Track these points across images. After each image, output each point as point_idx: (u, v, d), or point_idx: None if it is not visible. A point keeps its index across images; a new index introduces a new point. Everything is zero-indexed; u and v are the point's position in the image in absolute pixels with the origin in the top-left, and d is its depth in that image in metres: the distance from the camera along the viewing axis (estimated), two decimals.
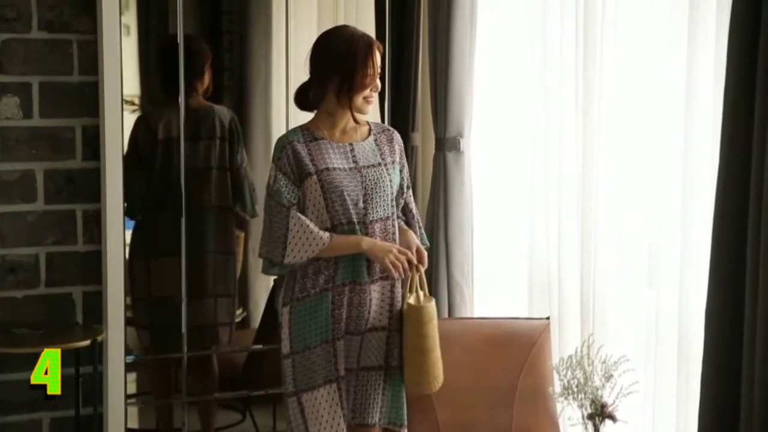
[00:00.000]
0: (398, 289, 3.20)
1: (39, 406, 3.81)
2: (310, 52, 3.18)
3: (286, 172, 3.13)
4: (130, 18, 4.07)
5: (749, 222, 2.83)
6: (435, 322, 3.19)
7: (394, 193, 3.21)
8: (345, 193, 3.11)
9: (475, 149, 4.01)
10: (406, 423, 3.25)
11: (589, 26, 3.57)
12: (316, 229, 3.09)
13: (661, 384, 3.40)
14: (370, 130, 3.25)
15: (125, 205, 3.84)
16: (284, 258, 3.09)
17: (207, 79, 4.12)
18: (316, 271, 3.12)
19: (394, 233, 3.18)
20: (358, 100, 3.13)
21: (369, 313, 3.15)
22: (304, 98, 3.21)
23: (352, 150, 3.18)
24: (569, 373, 3.27)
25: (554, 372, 3.37)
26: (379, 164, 3.19)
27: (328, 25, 4.36)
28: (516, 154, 3.95)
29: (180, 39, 3.95)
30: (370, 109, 3.23)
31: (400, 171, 3.25)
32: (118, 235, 3.80)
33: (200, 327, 4.16)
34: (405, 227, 3.27)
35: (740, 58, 2.83)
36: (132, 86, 4.07)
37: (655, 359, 3.42)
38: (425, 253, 3.23)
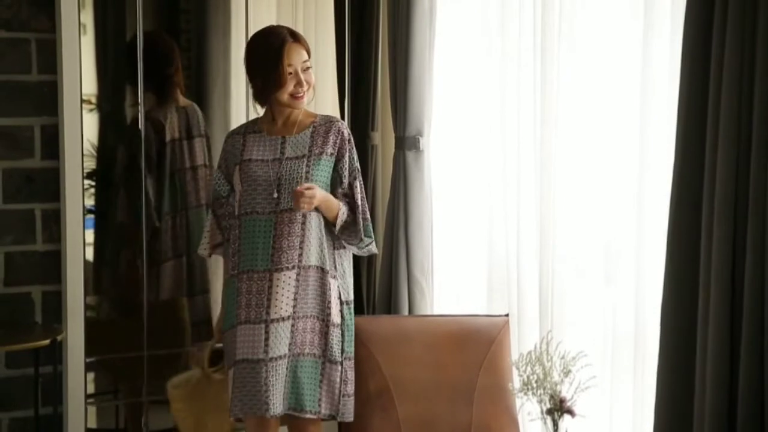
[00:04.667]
0: (307, 278, 3.26)
1: None
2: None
3: (221, 165, 3.39)
4: (87, 17, 4.04)
5: (703, 221, 2.90)
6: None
7: (315, 185, 3.23)
8: (256, 183, 3.25)
9: (435, 148, 4.04)
10: (310, 410, 3.26)
11: (547, 26, 3.61)
12: (207, 240, 3.40)
13: (618, 378, 3.46)
14: (313, 122, 3.33)
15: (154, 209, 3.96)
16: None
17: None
18: (227, 258, 3.35)
19: (303, 223, 3.24)
20: (284, 98, 3.26)
21: (269, 301, 3.22)
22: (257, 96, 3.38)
23: (283, 143, 3.30)
24: (528, 368, 3.31)
25: (513, 368, 3.41)
26: (303, 156, 3.27)
27: (287, 24, 4.39)
28: (475, 153, 3.99)
29: (139, 37, 3.94)
30: (303, 104, 3.30)
31: (338, 162, 3.32)
32: (77, 235, 3.79)
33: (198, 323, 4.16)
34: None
35: (694, 62, 2.89)
36: (89, 85, 4.04)
37: (612, 354, 3.48)
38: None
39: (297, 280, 3.25)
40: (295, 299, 3.25)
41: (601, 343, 3.51)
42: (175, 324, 4.18)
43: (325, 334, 3.30)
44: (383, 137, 4.31)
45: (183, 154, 4.09)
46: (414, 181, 3.96)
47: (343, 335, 3.33)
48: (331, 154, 3.30)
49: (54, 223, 3.82)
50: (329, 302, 3.29)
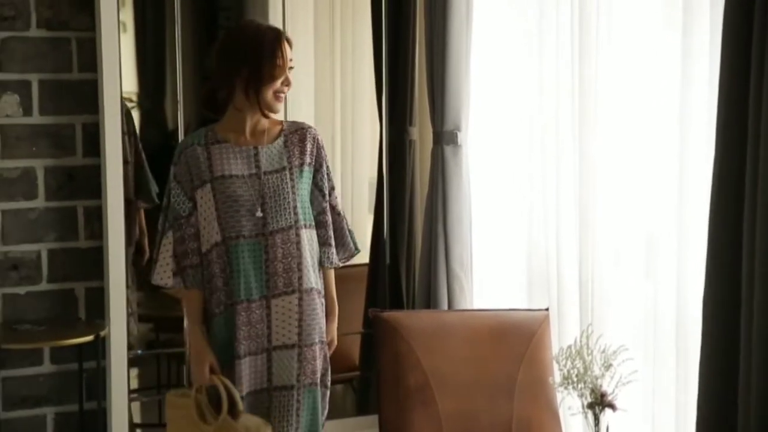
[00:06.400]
0: (310, 303, 3.02)
1: (43, 401, 3.85)
2: (214, 51, 3.06)
3: (180, 180, 3.01)
4: (127, 15, 4.08)
5: (745, 212, 2.86)
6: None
7: (301, 199, 3.02)
8: (238, 204, 2.96)
9: (473, 142, 4.03)
10: None
11: (585, 19, 3.59)
12: (168, 266, 2.99)
13: (659, 373, 3.42)
14: (282, 130, 3.07)
15: None
16: (151, 276, 3.05)
17: None
18: (212, 291, 3.00)
19: (298, 243, 2.99)
20: (268, 94, 2.96)
21: (269, 329, 2.99)
22: (213, 100, 3.07)
23: (256, 154, 3.00)
24: (569, 363, 3.30)
25: (554, 362, 3.40)
26: (284, 168, 3.00)
27: (325, 23, 4.40)
28: (513, 147, 3.97)
29: (177, 35, 3.97)
30: (280, 107, 3.04)
31: (316, 173, 3.08)
32: (119, 231, 3.82)
33: None
34: (331, 307, 3.10)
35: (734, 51, 2.85)
36: (129, 83, 4.09)
37: (653, 348, 3.45)
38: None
39: (300, 305, 3.00)
40: (299, 326, 3.00)
41: (642, 336, 3.48)
42: None
43: (325, 358, 3.08)
44: (421, 132, 4.31)
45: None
46: (452, 175, 3.95)
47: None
48: (310, 164, 3.05)
49: (96, 219, 3.87)
50: (323, 325, 3.08)
